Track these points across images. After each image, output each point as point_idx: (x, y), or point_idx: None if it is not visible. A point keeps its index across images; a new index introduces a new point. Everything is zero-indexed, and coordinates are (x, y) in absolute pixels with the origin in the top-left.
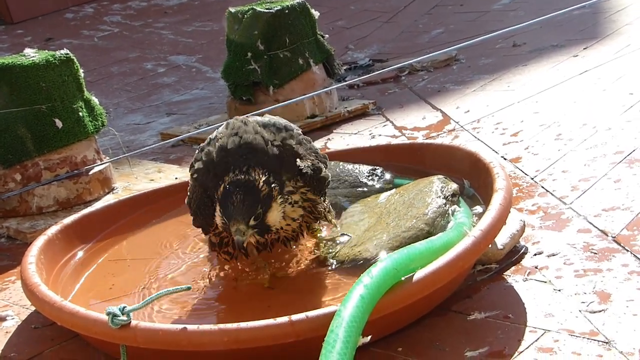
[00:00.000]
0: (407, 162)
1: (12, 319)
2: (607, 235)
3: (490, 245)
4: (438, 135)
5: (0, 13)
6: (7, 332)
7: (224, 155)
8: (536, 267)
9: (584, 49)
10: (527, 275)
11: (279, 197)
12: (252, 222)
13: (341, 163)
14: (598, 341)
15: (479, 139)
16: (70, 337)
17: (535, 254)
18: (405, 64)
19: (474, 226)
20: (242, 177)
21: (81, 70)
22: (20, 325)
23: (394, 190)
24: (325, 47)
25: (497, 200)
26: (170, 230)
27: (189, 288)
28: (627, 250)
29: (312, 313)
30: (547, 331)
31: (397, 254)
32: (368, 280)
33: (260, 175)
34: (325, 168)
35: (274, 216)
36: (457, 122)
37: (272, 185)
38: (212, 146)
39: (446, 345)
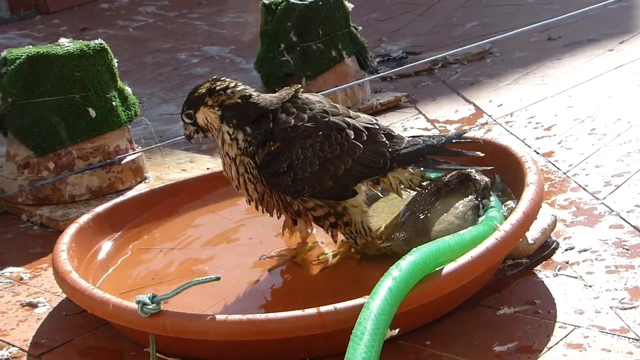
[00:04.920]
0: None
1: (44, 305)
2: None
3: (520, 240)
4: (470, 128)
5: (37, 3)
6: (38, 319)
7: None
8: (567, 263)
9: (620, 43)
10: (558, 270)
11: (215, 107)
12: (185, 119)
13: None
14: (629, 338)
15: (511, 133)
16: (100, 324)
17: (566, 249)
18: (439, 57)
19: (504, 220)
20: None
21: (115, 60)
22: (52, 312)
23: None
24: (358, 39)
25: (528, 194)
26: (201, 220)
27: (218, 278)
28: None
29: (340, 305)
30: (577, 327)
31: (427, 247)
32: (397, 273)
33: (210, 84)
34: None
35: (201, 117)
36: (490, 116)
37: (213, 92)
38: None
39: (475, 339)
